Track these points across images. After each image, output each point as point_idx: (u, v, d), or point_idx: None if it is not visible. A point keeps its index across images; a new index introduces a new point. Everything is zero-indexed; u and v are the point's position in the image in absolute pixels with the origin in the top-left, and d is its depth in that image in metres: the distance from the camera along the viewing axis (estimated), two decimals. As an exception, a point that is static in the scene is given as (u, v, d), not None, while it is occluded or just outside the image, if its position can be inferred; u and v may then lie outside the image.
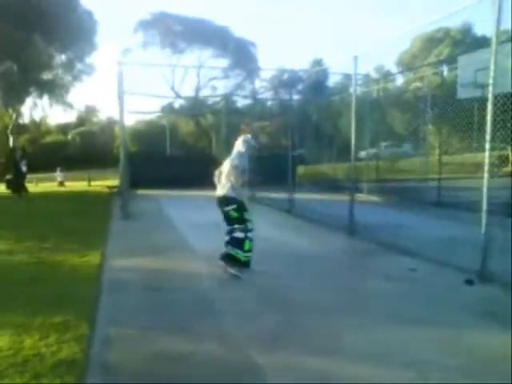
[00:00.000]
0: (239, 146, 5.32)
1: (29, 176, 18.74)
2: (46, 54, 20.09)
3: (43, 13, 17.85)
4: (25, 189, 17.18)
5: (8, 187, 17.84)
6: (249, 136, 5.47)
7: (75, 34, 19.77)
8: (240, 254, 5.11)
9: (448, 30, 29.59)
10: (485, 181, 4.82)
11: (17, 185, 17.11)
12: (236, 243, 5.11)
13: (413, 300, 4.42)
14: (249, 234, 5.12)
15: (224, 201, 5.18)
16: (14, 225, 9.54)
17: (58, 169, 25.17)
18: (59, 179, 24.31)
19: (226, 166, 5.31)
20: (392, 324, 3.80)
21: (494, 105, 4.77)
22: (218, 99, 26.49)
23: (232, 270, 5.14)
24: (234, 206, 5.11)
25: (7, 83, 19.80)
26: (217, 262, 5.30)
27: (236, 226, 5.13)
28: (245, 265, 5.15)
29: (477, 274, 4.85)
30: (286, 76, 24.27)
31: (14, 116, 23.78)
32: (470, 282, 4.76)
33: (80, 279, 5.27)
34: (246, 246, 5.11)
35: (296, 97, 19.21)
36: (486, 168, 4.81)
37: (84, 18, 20.97)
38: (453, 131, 12.84)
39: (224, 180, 5.24)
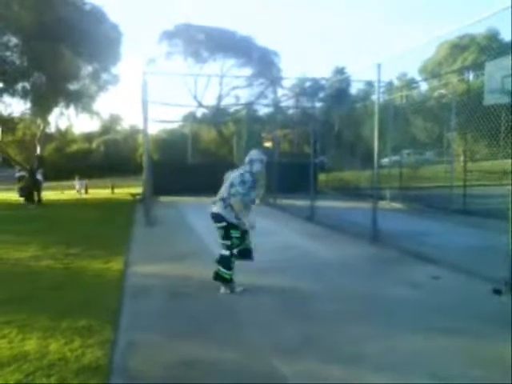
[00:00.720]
0: (245, 165, 4.97)
1: (54, 184, 19.13)
2: (74, 65, 20.62)
3: (72, 25, 18.38)
4: (39, 197, 17.48)
5: (21, 195, 18.16)
6: (254, 153, 5.01)
7: (102, 45, 20.26)
8: (224, 272, 4.90)
9: (473, 36, 29.14)
10: (513, 188, 4.71)
11: (29, 192, 17.44)
12: (221, 260, 4.94)
13: (439, 309, 4.32)
14: (235, 251, 4.90)
15: (215, 217, 4.94)
16: (40, 232, 9.77)
17: (77, 177, 24.80)
18: (77, 187, 23.70)
19: (226, 180, 5.01)
20: (416, 333, 3.72)
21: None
22: (239, 108, 26.69)
23: (222, 290, 4.94)
24: (223, 224, 4.88)
25: (37, 94, 20.38)
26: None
27: (222, 241, 4.95)
28: (229, 281, 4.93)
29: (505, 283, 4.72)
30: (307, 84, 24.28)
31: (42, 125, 24.40)
32: (498, 292, 4.64)
33: (104, 285, 5.35)
34: (232, 264, 4.90)
35: (318, 104, 19.18)
36: (514, 175, 4.69)
37: (110, 30, 21.49)
38: (478, 138, 12.58)
39: (218, 195, 4.98)
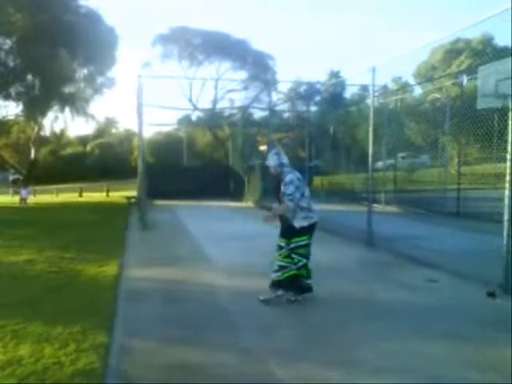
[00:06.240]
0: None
1: (51, 187, 18.79)
2: (69, 68, 20.57)
3: (68, 28, 18.35)
4: None
5: None
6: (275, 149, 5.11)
7: (97, 48, 20.23)
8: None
9: (468, 40, 29.36)
10: (506, 191, 4.74)
11: None
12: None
13: (434, 313, 4.33)
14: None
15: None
16: (35, 235, 9.71)
17: (24, 186, 22.83)
18: (23, 195, 21.09)
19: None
20: (413, 337, 3.73)
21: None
22: (235, 111, 26.68)
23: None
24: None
25: (31, 96, 20.30)
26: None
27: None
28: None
29: (499, 286, 4.75)
30: (303, 88, 24.32)
31: (36, 128, 24.31)
32: (492, 295, 4.66)
33: (98, 289, 5.33)
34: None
35: (313, 108, 19.22)
36: (508, 178, 4.73)
37: (106, 33, 21.48)
38: (472, 142, 12.65)
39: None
